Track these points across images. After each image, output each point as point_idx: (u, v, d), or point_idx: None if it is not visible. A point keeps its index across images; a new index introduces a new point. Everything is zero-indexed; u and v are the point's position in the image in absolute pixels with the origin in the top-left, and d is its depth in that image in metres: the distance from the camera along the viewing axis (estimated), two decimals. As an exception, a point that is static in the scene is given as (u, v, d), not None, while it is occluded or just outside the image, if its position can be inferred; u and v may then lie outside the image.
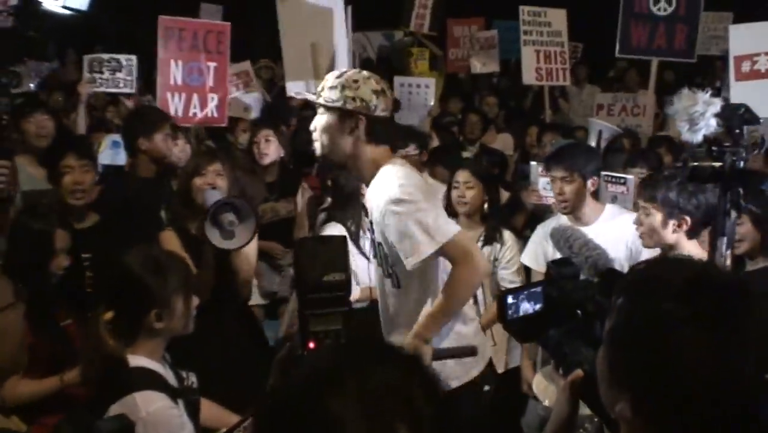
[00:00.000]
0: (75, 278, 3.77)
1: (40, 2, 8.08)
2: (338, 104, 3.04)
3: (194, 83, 6.03)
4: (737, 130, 2.59)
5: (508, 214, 5.38)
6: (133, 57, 7.04)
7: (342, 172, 4.46)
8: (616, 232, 4.02)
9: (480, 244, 4.56)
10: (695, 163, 2.61)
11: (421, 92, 7.91)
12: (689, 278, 1.53)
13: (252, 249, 4.05)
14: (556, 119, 8.82)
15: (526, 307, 2.21)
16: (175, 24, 6.00)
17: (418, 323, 3.04)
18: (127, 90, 7.12)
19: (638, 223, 3.49)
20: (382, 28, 11.08)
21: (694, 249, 3.31)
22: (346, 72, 3.12)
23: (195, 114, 6.02)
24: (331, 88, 3.05)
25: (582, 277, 2.43)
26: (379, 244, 3.16)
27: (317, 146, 3.16)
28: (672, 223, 3.34)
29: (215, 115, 6.16)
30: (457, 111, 8.76)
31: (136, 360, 2.63)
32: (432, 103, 8.13)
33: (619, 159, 5.89)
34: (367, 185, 3.18)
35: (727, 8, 10.24)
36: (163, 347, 2.79)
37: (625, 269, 3.91)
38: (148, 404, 2.51)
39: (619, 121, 8.40)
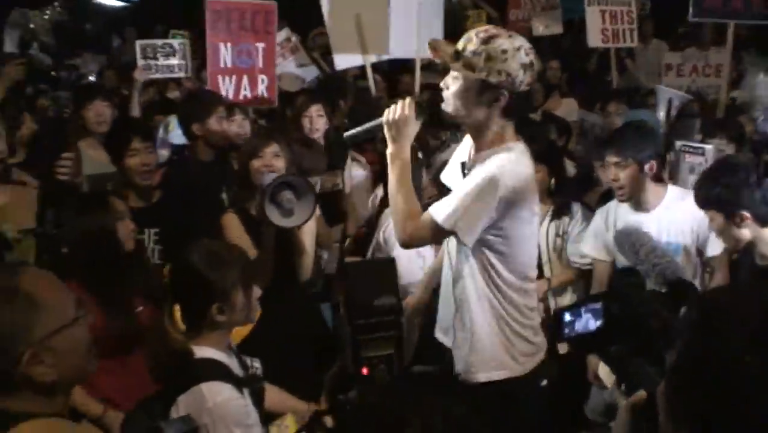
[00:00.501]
0: (143, 260, 3.89)
1: None
2: (482, 75, 2.78)
3: (243, 65, 6.00)
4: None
5: (579, 190, 5.18)
6: (186, 40, 7.04)
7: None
8: (680, 217, 3.92)
9: (547, 220, 4.46)
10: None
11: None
12: (764, 318, 1.44)
13: (311, 227, 4.04)
14: (622, 81, 8.49)
15: (585, 323, 2.13)
16: (224, 6, 5.94)
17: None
18: (181, 74, 7.13)
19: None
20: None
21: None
22: (494, 36, 2.80)
23: (246, 96, 5.99)
24: (475, 53, 2.79)
25: (648, 286, 2.34)
26: None
27: (448, 105, 2.94)
28: (736, 221, 3.24)
29: (266, 95, 6.14)
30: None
31: (202, 351, 2.71)
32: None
33: (691, 126, 5.68)
34: (476, 149, 3.04)
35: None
36: (228, 337, 2.87)
37: (692, 256, 3.94)
38: (215, 394, 2.57)
39: (689, 82, 8.16)
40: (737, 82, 8.24)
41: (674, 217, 3.95)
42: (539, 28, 9.73)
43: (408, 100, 2.92)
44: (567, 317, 2.10)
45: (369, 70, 6.79)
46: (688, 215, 3.87)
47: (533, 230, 3.12)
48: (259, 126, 5.77)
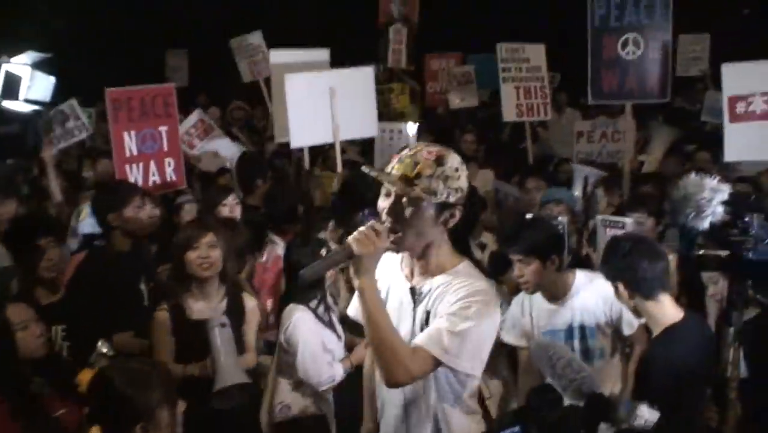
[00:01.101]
0: (55, 360, 3.75)
1: None
2: (442, 198, 2.67)
3: (149, 150, 5.93)
4: (746, 219, 2.51)
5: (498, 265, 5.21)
6: (72, 100, 6.92)
7: (300, 251, 4.35)
8: (590, 301, 4.04)
9: None
10: (701, 252, 2.54)
11: (402, 137, 7.78)
12: None
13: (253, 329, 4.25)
14: (536, 149, 8.71)
15: None
16: (123, 94, 5.86)
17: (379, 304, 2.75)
18: (83, 135, 7.03)
19: None
20: (355, 65, 10.91)
21: (653, 309, 3.27)
22: (442, 156, 2.68)
23: (155, 181, 5.92)
24: (432, 177, 2.65)
25: (565, 401, 2.35)
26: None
27: (402, 240, 2.73)
28: (620, 289, 3.33)
29: (174, 178, 6.07)
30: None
31: None
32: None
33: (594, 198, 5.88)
34: (422, 272, 2.87)
35: (703, 30, 10.29)
36: None
37: (608, 335, 4.02)
38: None
39: (600, 147, 8.43)
40: (643, 147, 8.61)
41: (585, 302, 4.07)
42: (455, 101, 9.97)
43: (379, 227, 2.67)
44: None
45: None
46: (598, 298, 4.02)
47: None
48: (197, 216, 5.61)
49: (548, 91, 8.29)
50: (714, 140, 7.91)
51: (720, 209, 2.59)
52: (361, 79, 6.89)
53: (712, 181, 2.63)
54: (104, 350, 3.86)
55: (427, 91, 10.90)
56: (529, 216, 4.87)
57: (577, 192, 5.96)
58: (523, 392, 4.31)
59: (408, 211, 2.69)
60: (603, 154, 8.38)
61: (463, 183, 2.70)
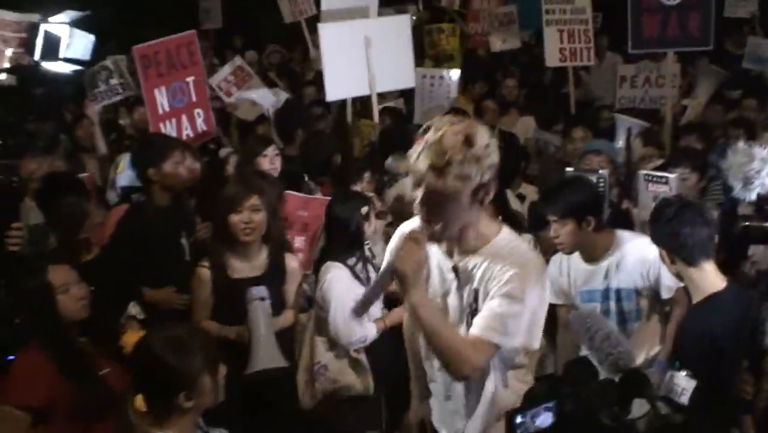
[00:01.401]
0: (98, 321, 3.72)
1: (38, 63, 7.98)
2: (477, 181, 2.58)
3: (180, 104, 5.83)
4: (793, 190, 2.46)
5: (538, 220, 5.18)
6: (118, 56, 6.84)
7: (341, 207, 4.36)
8: (629, 263, 3.98)
9: None
10: (746, 223, 2.50)
11: (444, 84, 7.67)
12: None
13: (293, 289, 4.24)
14: (578, 94, 8.55)
15: (539, 422, 2.19)
16: (149, 50, 5.73)
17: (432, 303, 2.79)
18: (130, 93, 6.97)
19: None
20: (393, 3, 10.72)
21: (695, 275, 3.23)
22: (471, 134, 2.57)
23: (188, 135, 5.84)
24: (464, 162, 2.55)
25: (601, 375, 2.35)
26: (476, 310, 2.81)
27: (428, 225, 2.69)
28: (664, 253, 3.30)
29: (205, 128, 5.99)
30: (478, 97, 8.50)
31: None
32: (454, 95, 7.90)
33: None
34: (463, 249, 2.82)
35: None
36: (196, 420, 2.79)
37: (645, 299, 3.98)
38: None
39: (642, 93, 8.27)
40: (688, 92, 8.41)
41: (622, 263, 4.01)
42: (497, 44, 9.77)
43: (416, 236, 2.64)
44: (518, 418, 2.15)
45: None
46: (636, 260, 3.96)
47: None
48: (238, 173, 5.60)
49: (592, 35, 8.02)
50: (761, 87, 7.77)
51: (768, 180, 2.54)
52: (397, 27, 6.71)
53: (762, 151, 2.56)
54: (134, 312, 3.92)
55: (469, 31, 10.68)
56: (568, 173, 4.84)
57: (621, 143, 5.85)
58: (561, 347, 4.34)
59: (443, 202, 2.61)
60: (646, 99, 8.22)
61: (494, 158, 2.61)
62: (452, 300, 2.87)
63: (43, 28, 8.09)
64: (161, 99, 5.75)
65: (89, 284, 3.87)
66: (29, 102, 7.21)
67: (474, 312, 2.79)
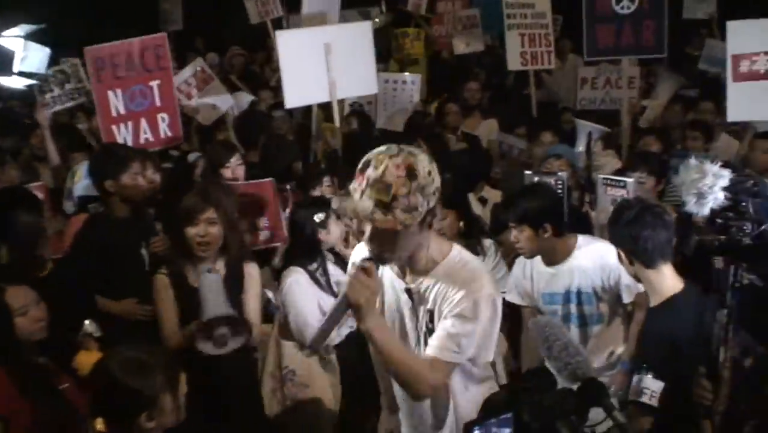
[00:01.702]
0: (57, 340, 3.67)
1: None
2: (424, 210, 2.59)
3: (139, 108, 5.65)
4: (743, 203, 2.49)
5: (499, 223, 5.23)
6: (76, 60, 6.61)
7: (301, 213, 4.38)
8: (589, 267, 4.05)
9: None
10: (698, 237, 2.54)
11: (406, 89, 7.68)
12: None
13: (253, 298, 4.11)
14: (539, 95, 8.63)
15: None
16: (105, 51, 5.57)
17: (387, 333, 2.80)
18: (82, 100, 6.76)
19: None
20: (357, 5, 10.68)
21: (653, 277, 3.25)
22: (411, 164, 2.55)
23: (147, 139, 5.68)
24: (409, 195, 2.53)
25: (559, 384, 2.37)
26: (431, 330, 2.86)
27: (386, 258, 2.71)
28: (623, 256, 3.30)
29: (169, 134, 5.82)
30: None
31: None
32: (417, 99, 7.91)
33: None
34: (420, 273, 2.84)
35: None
36: None
37: (605, 302, 4.04)
38: None
39: (603, 94, 8.37)
40: (648, 92, 8.51)
41: (583, 267, 4.08)
42: (460, 47, 9.78)
43: (366, 266, 2.63)
44: (476, 431, 2.15)
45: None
46: (596, 265, 4.03)
47: None
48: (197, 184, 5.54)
49: (552, 38, 8.11)
50: (717, 89, 7.88)
51: (721, 195, 2.57)
52: (359, 34, 6.62)
53: (713, 167, 2.59)
54: (90, 330, 3.86)
55: (433, 35, 10.71)
56: (527, 176, 4.88)
57: (581, 147, 5.91)
58: (526, 348, 4.39)
59: (392, 236, 2.61)
60: (606, 100, 8.34)
61: (437, 183, 2.61)
62: (408, 321, 2.92)
63: None
64: (116, 102, 5.57)
65: (44, 300, 3.85)
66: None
67: (430, 332, 2.84)
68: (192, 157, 5.93)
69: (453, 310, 2.74)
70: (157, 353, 2.78)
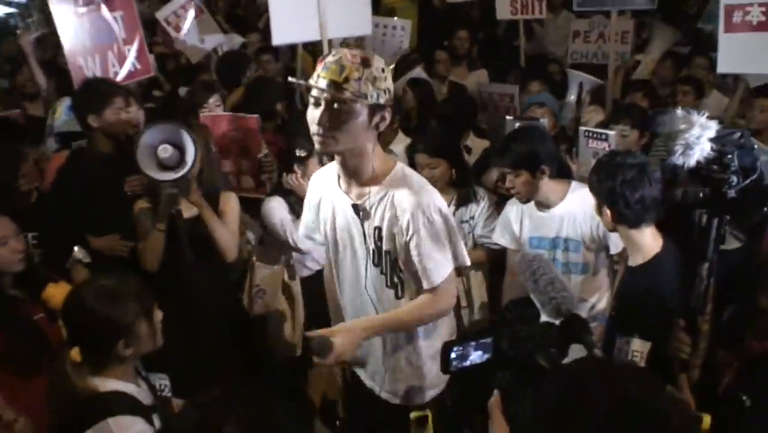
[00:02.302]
0: (32, 272, 3.67)
1: None
2: (372, 100, 2.74)
3: (105, 41, 5.44)
4: (729, 156, 2.48)
5: (481, 169, 5.22)
6: None
7: (297, 140, 4.38)
8: (579, 213, 4.03)
9: (452, 208, 4.55)
10: (683, 189, 2.53)
11: (396, 34, 7.54)
12: (611, 412, 1.52)
13: (233, 207, 4.20)
14: (530, 47, 8.52)
15: (473, 357, 2.23)
16: None
17: (374, 319, 3.03)
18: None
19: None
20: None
21: (636, 237, 3.26)
22: (367, 58, 2.76)
23: (116, 73, 5.49)
24: (360, 80, 2.71)
25: (542, 317, 2.39)
26: (387, 252, 3.01)
27: (326, 142, 2.80)
28: (604, 210, 3.30)
29: (138, 67, 5.64)
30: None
31: (108, 384, 2.63)
32: (407, 46, 7.78)
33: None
34: (361, 182, 2.97)
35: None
36: (134, 366, 2.80)
37: (593, 251, 4.04)
38: (124, 430, 2.51)
39: (596, 48, 8.24)
40: (641, 47, 8.43)
41: (573, 214, 4.07)
42: (452, -6, 9.60)
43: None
44: (453, 352, 2.18)
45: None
46: (587, 213, 3.97)
47: None
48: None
49: (545, -14, 7.90)
50: (712, 46, 7.80)
51: (707, 147, 2.56)
52: None
53: (701, 118, 2.57)
54: (80, 256, 3.86)
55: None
56: (509, 121, 4.86)
57: (572, 97, 5.87)
58: (508, 292, 4.40)
59: (341, 119, 2.75)
60: (599, 55, 8.19)
61: (389, 84, 2.79)
62: (357, 238, 3.06)
63: None
64: (81, 33, 5.33)
65: (32, 228, 3.88)
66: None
67: (378, 250, 3.01)
68: (183, 91, 5.83)
69: (410, 230, 2.89)
70: (129, 281, 2.77)
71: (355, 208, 2.99)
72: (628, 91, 6.57)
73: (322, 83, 2.72)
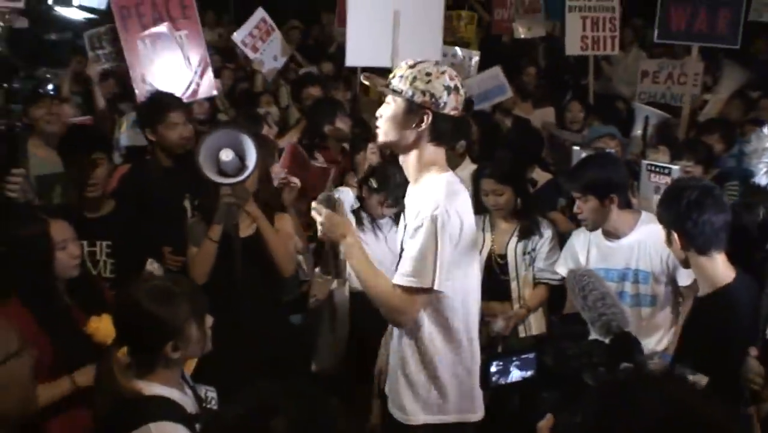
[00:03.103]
0: (90, 278, 3.70)
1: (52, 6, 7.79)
2: (407, 96, 2.88)
3: (170, 59, 5.53)
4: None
5: (547, 199, 5.14)
6: None
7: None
8: (650, 244, 3.91)
9: (515, 239, 4.51)
10: (764, 208, 2.41)
11: (465, 65, 7.46)
12: (663, 417, 1.42)
13: (287, 225, 4.12)
14: (598, 86, 8.41)
15: (515, 374, 2.13)
16: (130, 1, 5.48)
17: (361, 255, 3.02)
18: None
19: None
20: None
21: (707, 265, 3.09)
22: (421, 62, 2.93)
23: (179, 91, 5.45)
24: (402, 77, 2.91)
25: (591, 335, 2.27)
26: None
27: (379, 133, 3.02)
28: (673, 237, 3.14)
29: (202, 86, 5.69)
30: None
31: (153, 388, 2.59)
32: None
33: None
34: (410, 182, 3.08)
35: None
36: (180, 371, 2.75)
37: (662, 284, 3.92)
38: None
39: (664, 89, 8.13)
40: (709, 88, 8.26)
41: (643, 245, 3.95)
42: (521, 31, 9.59)
43: (314, 206, 3.01)
44: (494, 367, 2.09)
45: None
46: (658, 244, 3.76)
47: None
48: None
49: (618, 23, 7.81)
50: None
51: (790, 168, 2.43)
52: (429, 3, 6.42)
53: (787, 139, 2.46)
54: (151, 269, 3.83)
55: (494, 18, 10.53)
56: (576, 151, 4.77)
57: (638, 131, 5.75)
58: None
59: (384, 111, 2.97)
60: (667, 96, 8.08)
61: (430, 87, 2.85)
62: (400, 235, 3.15)
63: None
64: (144, 51, 5.48)
65: (103, 238, 3.92)
66: (40, 47, 7.05)
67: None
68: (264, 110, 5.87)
69: (410, 230, 2.92)
70: (182, 283, 2.73)
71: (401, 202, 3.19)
72: (697, 130, 6.40)
73: (380, 81, 2.99)
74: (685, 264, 3.23)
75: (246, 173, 3.66)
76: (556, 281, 4.40)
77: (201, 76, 5.68)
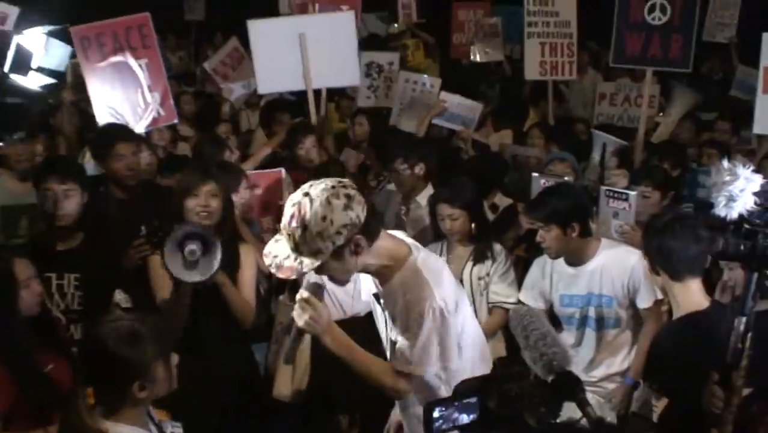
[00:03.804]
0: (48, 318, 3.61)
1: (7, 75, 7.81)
2: (330, 249, 2.65)
3: (130, 88, 5.62)
4: (770, 210, 2.41)
5: (501, 227, 5.21)
6: None
7: None
8: (611, 270, 4.04)
9: (470, 263, 4.54)
10: (724, 240, 2.46)
11: (425, 91, 7.50)
12: None
13: (250, 277, 4.03)
14: (557, 110, 8.50)
15: (458, 418, 2.12)
16: (91, 30, 5.60)
17: (351, 345, 2.93)
18: None
19: None
20: (376, 10, 10.76)
21: (679, 291, 3.12)
22: (303, 212, 2.62)
23: (141, 119, 5.63)
24: (306, 243, 2.64)
25: (533, 374, 2.30)
26: (394, 342, 2.94)
27: (340, 282, 2.93)
28: (651, 264, 3.21)
29: (162, 113, 5.77)
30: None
31: (119, 429, 2.58)
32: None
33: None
34: (383, 282, 2.92)
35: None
36: (146, 410, 2.73)
37: (625, 308, 4.02)
38: None
39: (621, 111, 8.30)
40: (662, 110, 8.42)
41: (605, 270, 4.06)
42: (479, 55, 9.65)
43: (305, 297, 2.78)
44: (436, 412, 2.08)
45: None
46: (619, 268, 4.02)
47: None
48: (190, 159, 5.52)
49: (576, 48, 7.89)
50: (735, 111, 7.80)
51: (751, 200, 2.49)
52: (339, 24, 6.46)
53: (746, 171, 2.52)
54: (118, 299, 3.80)
55: (453, 42, 10.62)
56: (534, 177, 4.84)
57: (596, 157, 5.85)
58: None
59: (315, 272, 2.75)
60: (624, 118, 8.26)
61: (346, 218, 2.62)
62: (380, 325, 3.09)
63: (16, 39, 7.94)
64: (106, 81, 5.54)
65: (75, 270, 3.93)
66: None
67: (392, 342, 2.94)
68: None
69: (403, 322, 2.84)
70: (147, 322, 2.71)
71: (377, 297, 3.03)
72: (652, 154, 6.49)
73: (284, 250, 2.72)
74: (663, 291, 3.30)
75: (211, 271, 3.61)
76: (510, 304, 4.41)
77: (161, 104, 5.72)
